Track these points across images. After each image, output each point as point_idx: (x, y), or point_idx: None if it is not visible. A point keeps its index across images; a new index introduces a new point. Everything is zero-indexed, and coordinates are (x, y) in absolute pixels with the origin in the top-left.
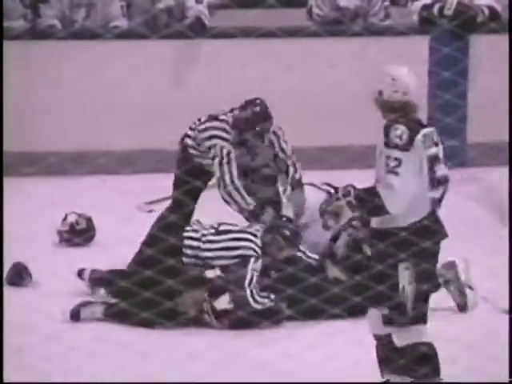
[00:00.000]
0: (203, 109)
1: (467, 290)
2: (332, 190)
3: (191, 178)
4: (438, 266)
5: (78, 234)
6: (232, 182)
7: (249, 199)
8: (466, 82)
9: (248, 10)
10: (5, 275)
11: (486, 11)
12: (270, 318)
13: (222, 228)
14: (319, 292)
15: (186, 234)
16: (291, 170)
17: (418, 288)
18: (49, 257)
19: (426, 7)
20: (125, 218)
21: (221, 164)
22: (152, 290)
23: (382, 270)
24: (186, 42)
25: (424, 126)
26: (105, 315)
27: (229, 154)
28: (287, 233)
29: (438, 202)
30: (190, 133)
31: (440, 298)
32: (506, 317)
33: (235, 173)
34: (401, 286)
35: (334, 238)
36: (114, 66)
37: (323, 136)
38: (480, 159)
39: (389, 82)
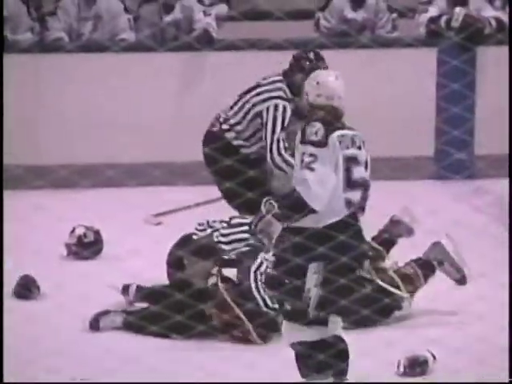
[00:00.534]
0: (210, 121)
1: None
2: None
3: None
4: (427, 250)
5: (86, 246)
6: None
7: None
8: (474, 94)
9: (255, 23)
10: (13, 288)
11: (494, 23)
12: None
13: (233, 221)
14: None
15: (197, 232)
16: None
17: (323, 291)
18: (57, 270)
19: (433, 19)
20: (132, 230)
21: (274, 123)
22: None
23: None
24: (193, 55)
25: (348, 129)
26: (124, 324)
27: (285, 109)
28: None
29: (357, 205)
30: (222, 116)
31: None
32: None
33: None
34: (307, 288)
35: None
36: (122, 78)
37: None
38: (488, 171)
39: (314, 85)
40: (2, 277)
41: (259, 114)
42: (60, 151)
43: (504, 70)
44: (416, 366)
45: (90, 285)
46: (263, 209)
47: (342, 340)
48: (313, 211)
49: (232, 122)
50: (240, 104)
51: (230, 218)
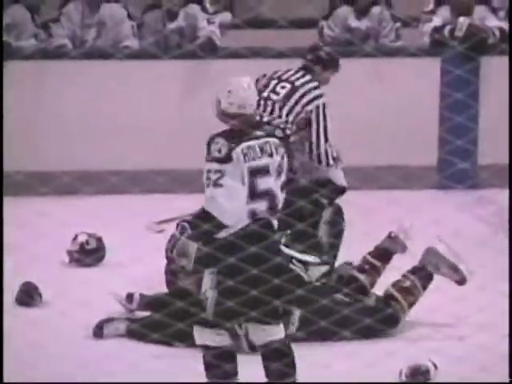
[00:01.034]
0: (214, 129)
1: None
2: None
3: None
4: (421, 257)
5: (88, 253)
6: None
7: None
8: (477, 103)
9: (259, 31)
10: (15, 295)
11: (497, 33)
12: None
13: None
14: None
15: None
16: None
17: (219, 294)
18: (59, 276)
19: (437, 29)
20: (135, 237)
21: (318, 118)
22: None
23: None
24: (197, 62)
25: (256, 139)
26: (127, 332)
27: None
28: None
29: (261, 215)
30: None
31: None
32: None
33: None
34: (203, 290)
35: None
36: (125, 85)
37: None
38: (491, 181)
39: (225, 93)
40: (2, 281)
41: (309, 111)
42: (63, 158)
43: (507, 80)
44: (418, 375)
45: (92, 292)
46: (177, 233)
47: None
48: (225, 226)
49: (280, 117)
50: (287, 108)
51: None
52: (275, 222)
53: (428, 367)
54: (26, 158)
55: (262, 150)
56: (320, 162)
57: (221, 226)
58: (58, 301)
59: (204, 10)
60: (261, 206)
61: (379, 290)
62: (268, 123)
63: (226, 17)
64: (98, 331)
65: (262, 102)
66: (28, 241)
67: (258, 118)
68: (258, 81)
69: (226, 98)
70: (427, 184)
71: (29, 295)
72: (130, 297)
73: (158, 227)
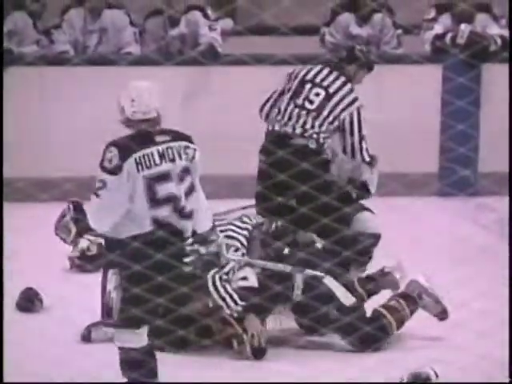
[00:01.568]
0: (215, 136)
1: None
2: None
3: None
4: (404, 288)
5: (90, 259)
6: None
7: None
8: (479, 111)
9: (261, 38)
10: (16, 301)
11: (499, 41)
12: None
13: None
14: None
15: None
16: None
17: (124, 293)
18: (60, 283)
19: (438, 37)
20: None
21: (360, 127)
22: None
23: None
24: (198, 69)
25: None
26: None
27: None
28: None
29: (166, 221)
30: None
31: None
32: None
33: None
34: (107, 290)
35: None
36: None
37: None
38: (491, 188)
39: (129, 100)
40: (3, 286)
41: (342, 119)
42: (64, 164)
43: (509, 88)
44: (418, 382)
45: (93, 298)
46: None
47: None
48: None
49: (313, 128)
50: (321, 119)
51: None
52: (186, 228)
53: (429, 375)
54: (27, 164)
55: (162, 156)
56: (354, 156)
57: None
58: (59, 307)
59: (206, 16)
60: (164, 211)
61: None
62: (301, 135)
63: (228, 23)
64: (87, 335)
65: (296, 111)
66: (29, 247)
67: (289, 130)
68: (291, 75)
69: (129, 105)
70: (428, 191)
71: (30, 301)
72: None
73: None
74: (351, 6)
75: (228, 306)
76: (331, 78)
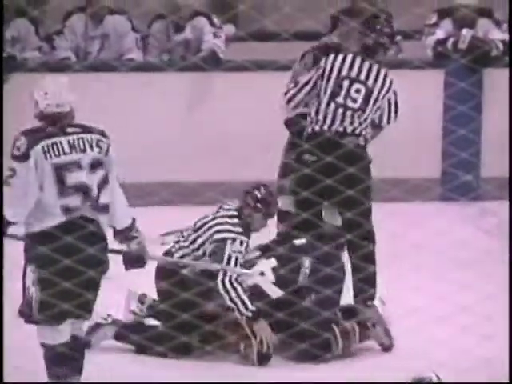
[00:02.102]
0: (217, 142)
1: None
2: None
3: None
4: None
5: None
6: None
7: None
8: (481, 116)
9: (263, 43)
10: (18, 308)
11: (500, 45)
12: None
13: (198, 224)
14: None
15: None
16: None
17: (42, 291)
18: None
19: (440, 42)
20: None
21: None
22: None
23: None
24: (200, 75)
25: (68, 134)
26: (116, 337)
27: None
28: None
29: (78, 210)
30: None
31: None
32: None
33: None
34: (26, 286)
35: None
36: (128, 98)
37: None
38: (494, 193)
39: (42, 95)
40: (3, 290)
41: (383, 107)
42: None
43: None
44: None
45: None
46: None
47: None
48: (13, 223)
49: (361, 125)
50: (365, 115)
51: (195, 223)
52: (102, 221)
53: (431, 379)
54: None
55: (72, 146)
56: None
57: (8, 222)
58: None
59: (211, 23)
60: (74, 200)
61: None
62: (353, 134)
63: (230, 29)
64: (86, 342)
65: (341, 111)
66: None
67: (340, 129)
68: (303, 57)
69: (42, 98)
70: (430, 196)
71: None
72: (143, 297)
73: (162, 240)
74: (352, 13)
75: (239, 311)
76: (365, 68)
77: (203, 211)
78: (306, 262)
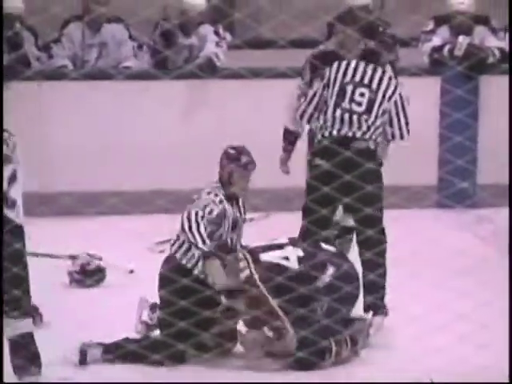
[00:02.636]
0: (213, 150)
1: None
2: None
3: None
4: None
5: (89, 274)
6: None
7: None
8: (477, 123)
9: (259, 51)
10: None
11: (497, 53)
12: None
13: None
14: None
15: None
16: None
17: None
18: (59, 298)
19: (436, 49)
20: (136, 258)
21: (397, 109)
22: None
23: None
24: (196, 82)
25: None
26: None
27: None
28: None
29: None
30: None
31: None
32: None
33: None
34: None
35: None
36: (125, 106)
37: None
38: (490, 200)
39: None
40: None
41: (389, 111)
42: (62, 179)
43: (507, 100)
44: None
45: (93, 313)
46: None
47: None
48: None
49: (369, 129)
50: (372, 119)
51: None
52: (11, 216)
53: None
54: (25, 179)
55: None
56: (396, 136)
57: None
58: (58, 322)
59: (217, 33)
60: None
61: None
62: (362, 138)
63: (226, 37)
64: (82, 358)
65: (347, 115)
66: (29, 262)
67: (349, 134)
68: (314, 57)
69: None
70: (427, 203)
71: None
72: (154, 307)
73: (160, 247)
74: (348, 20)
75: (195, 242)
76: (369, 71)
77: None
78: (331, 269)
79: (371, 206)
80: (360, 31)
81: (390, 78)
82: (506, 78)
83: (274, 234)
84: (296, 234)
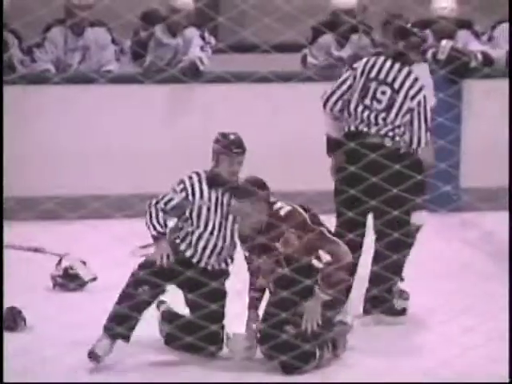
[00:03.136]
0: (197, 154)
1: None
2: None
3: None
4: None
5: (72, 278)
6: None
7: None
8: (460, 126)
9: (242, 55)
10: None
11: (480, 57)
12: None
13: None
14: None
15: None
16: None
17: None
18: (43, 301)
19: None
20: (118, 262)
21: (419, 112)
22: None
23: None
24: (180, 86)
25: None
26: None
27: None
28: None
29: None
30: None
31: None
32: None
33: None
34: None
35: None
36: (108, 110)
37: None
38: (473, 204)
39: None
40: (3, 295)
41: (411, 111)
42: (46, 183)
43: (490, 104)
44: None
45: (76, 316)
46: None
47: None
48: None
49: (386, 126)
50: (392, 116)
51: None
52: None
53: None
54: (9, 182)
55: None
56: (419, 144)
57: None
58: (42, 326)
59: (202, 37)
60: None
61: None
62: (377, 134)
63: (211, 41)
64: (95, 355)
65: (366, 113)
66: (12, 266)
67: (364, 129)
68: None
69: None
70: None
71: (13, 320)
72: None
73: (142, 252)
74: (332, 25)
75: (148, 226)
76: (394, 71)
77: None
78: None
79: (388, 206)
80: (392, 33)
81: (415, 80)
82: (488, 82)
83: None
84: None
